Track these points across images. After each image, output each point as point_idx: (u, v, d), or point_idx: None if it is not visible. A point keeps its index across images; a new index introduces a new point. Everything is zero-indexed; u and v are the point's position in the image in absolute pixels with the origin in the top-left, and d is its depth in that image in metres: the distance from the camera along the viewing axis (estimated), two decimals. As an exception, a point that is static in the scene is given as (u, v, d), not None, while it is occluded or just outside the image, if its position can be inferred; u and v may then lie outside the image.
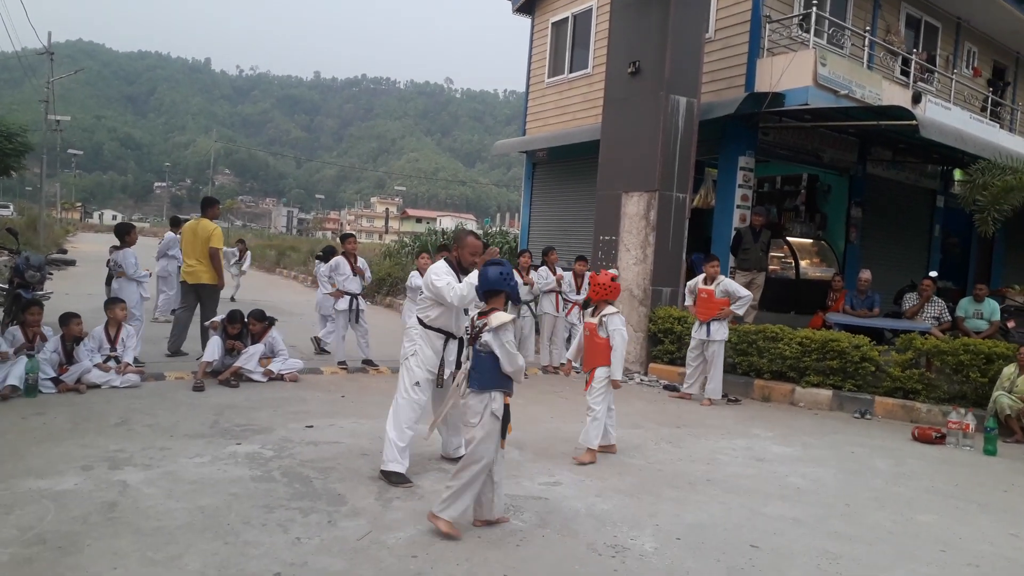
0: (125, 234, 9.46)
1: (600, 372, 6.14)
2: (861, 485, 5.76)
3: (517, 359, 4.24)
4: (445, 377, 5.15)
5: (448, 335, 5.16)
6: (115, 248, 9.46)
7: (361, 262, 9.73)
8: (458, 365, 5.18)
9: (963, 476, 6.26)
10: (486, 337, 4.18)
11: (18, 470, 4.78)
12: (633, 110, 10.63)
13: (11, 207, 47.51)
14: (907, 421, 8.21)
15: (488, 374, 4.21)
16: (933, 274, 11.75)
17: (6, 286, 9.34)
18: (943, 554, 4.43)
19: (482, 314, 4.29)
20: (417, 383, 5.09)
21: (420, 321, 5.15)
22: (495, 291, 4.35)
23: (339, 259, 9.64)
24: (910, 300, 10.82)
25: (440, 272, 5.00)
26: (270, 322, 8.64)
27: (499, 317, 4.20)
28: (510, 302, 4.27)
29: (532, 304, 10.30)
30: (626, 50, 10.76)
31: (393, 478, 5.01)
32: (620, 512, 4.75)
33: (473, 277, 4.81)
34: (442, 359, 5.15)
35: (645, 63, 10.44)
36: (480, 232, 31.29)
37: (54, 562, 3.55)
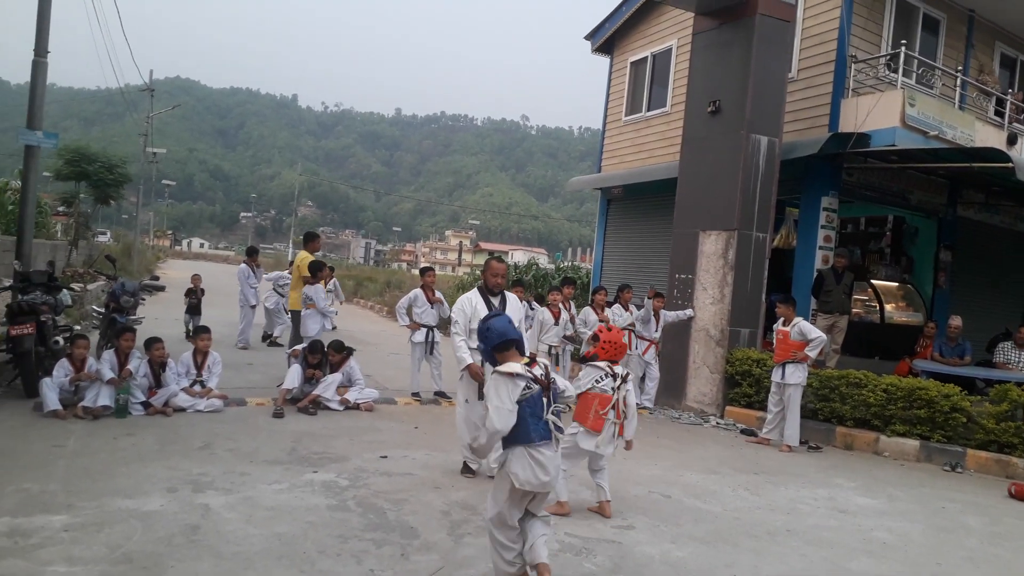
0: (319, 270, 10.13)
1: None
2: (953, 543, 5.47)
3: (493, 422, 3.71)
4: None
5: None
6: (311, 282, 10.02)
7: (438, 294, 9.89)
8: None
9: (1066, 540, 5.86)
10: (561, 385, 4.11)
11: (108, 489, 4.98)
12: (712, 149, 10.55)
13: (108, 234, 50.07)
14: (1002, 477, 7.76)
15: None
16: (1030, 322, 11.16)
17: (103, 310, 9.85)
18: (1046, 624, 4.15)
19: (531, 362, 3.90)
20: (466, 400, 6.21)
21: None
22: (504, 345, 3.91)
23: (417, 291, 9.81)
24: (1004, 349, 10.30)
25: (460, 303, 6.19)
26: (348, 352, 8.83)
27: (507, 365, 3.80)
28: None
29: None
30: (706, 89, 10.72)
31: None
32: (695, 560, 4.62)
33: (462, 324, 6.06)
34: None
35: (725, 102, 10.36)
36: (552, 266, 31.38)
37: (140, 581, 3.67)
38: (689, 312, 10.50)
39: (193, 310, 13.41)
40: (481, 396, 5.81)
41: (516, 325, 5.83)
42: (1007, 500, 6.96)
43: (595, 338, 5.37)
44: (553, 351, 9.72)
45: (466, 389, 6.13)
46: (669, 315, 10.45)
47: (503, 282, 6.08)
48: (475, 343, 5.63)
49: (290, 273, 11.33)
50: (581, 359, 5.28)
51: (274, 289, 13.60)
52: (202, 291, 13.78)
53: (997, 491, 7.23)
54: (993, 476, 7.84)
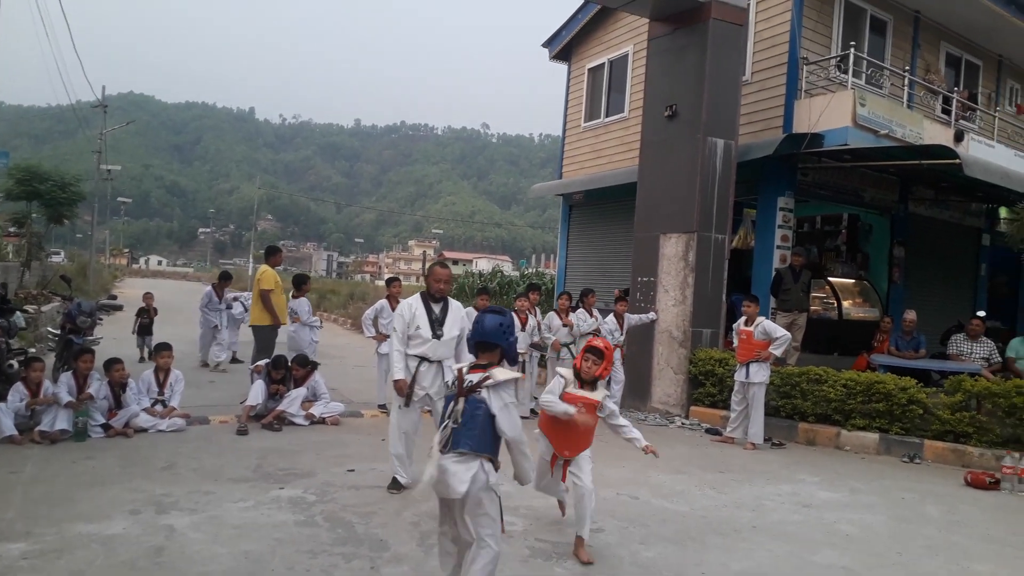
0: (302, 284, 10.64)
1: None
2: (913, 532, 5.59)
3: (518, 422, 3.61)
4: (415, 399, 5.82)
5: (422, 359, 5.82)
6: (296, 296, 10.49)
7: None
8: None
9: (1021, 524, 6.04)
10: (484, 394, 3.51)
11: (68, 514, 4.88)
12: (670, 152, 10.69)
13: (62, 254, 48.97)
14: (959, 466, 7.96)
15: (481, 436, 3.49)
16: (981, 314, 11.45)
17: (59, 332, 9.64)
18: (1003, 607, 4.27)
19: (476, 367, 3.63)
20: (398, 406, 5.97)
21: None
22: (489, 344, 3.68)
23: (383, 302, 9.76)
24: (957, 341, 10.58)
25: (401, 307, 5.96)
26: (313, 367, 8.75)
27: (503, 372, 3.57)
28: (505, 361, 3.72)
29: (572, 347, 10.26)
30: (662, 94, 10.86)
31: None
32: (665, 560, 4.67)
33: (400, 331, 5.80)
34: (415, 381, 5.80)
35: (682, 106, 10.51)
36: (516, 273, 31.47)
37: (104, 606, 3.60)
38: (652, 315, 10.61)
39: (145, 330, 12.98)
40: (408, 403, 5.79)
41: (457, 334, 5.86)
42: (963, 488, 7.14)
43: (598, 353, 4.75)
44: (520, 358, 9.73)
45: (398, 396, 5.95)
46: (632, 318, 10.55)
47: (447, 288, 5.92)
48: (414, 350, 5.79)
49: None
50: (586, 380, 4.70)
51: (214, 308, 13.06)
52: (155, 310, 13.44)
53: (954, 480, 7.41)
54: (950, 465, 8.04)
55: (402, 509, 5.40)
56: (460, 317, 5.98)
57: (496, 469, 3.55)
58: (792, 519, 5.76)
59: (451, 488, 3.41)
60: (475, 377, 3.55)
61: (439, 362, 5.80)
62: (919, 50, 13.70)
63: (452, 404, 3.54)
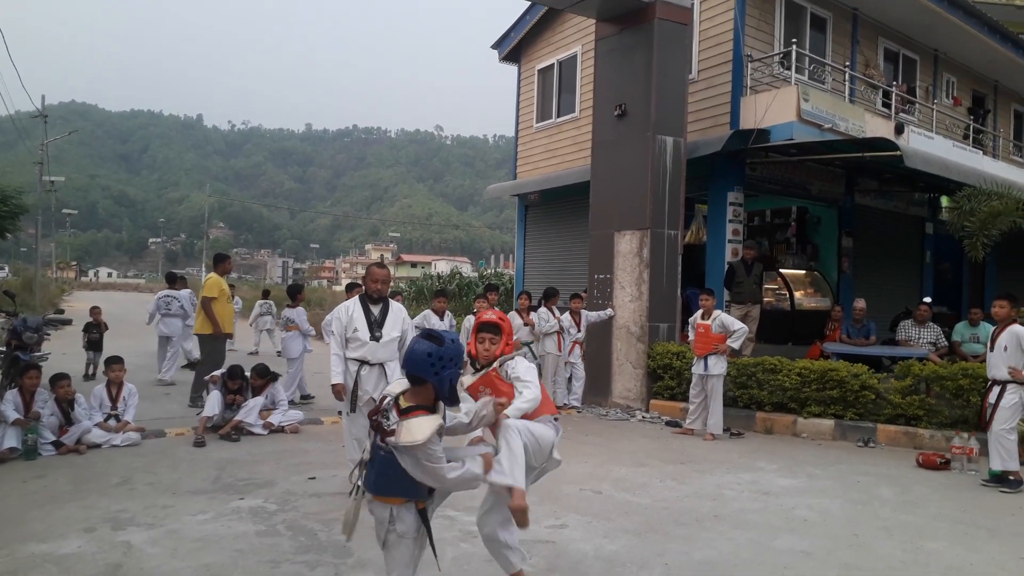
0: (297, 293, 10.93)
1: None
2: (869, 515, 5.74)
3: (450, 472, 3.08)
4: (361, 404, 5.63)
5: (363, 362, 5.75)
6: (291, 305, 10.80)
7: None
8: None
9: (970, 501, 6.24)
10: (393, 442, 3.02)
11: (20, 535, 4.75)
12: (621, 151, 10.79)
13: (6, 268, 47.55)
14: (911, 448, 8.20)
15: (393, 478, 3.09)
16: (927, 300, 11.80)
17: (3, 348, 9.34)
18: (954, 582, 4.41)
19: (407, 410, 3.07)
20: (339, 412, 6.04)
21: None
22: (416, 378, 3.09)
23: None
24: (905, 327, 10.88)
25: (337, 310, 5.90)
26: (273, 377, 8.64)
27: (415, 428, 2.95)
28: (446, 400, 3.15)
29: (532, 345, 10.31)
30: (612, 94, 10.97)
31: None
32: (628, 552, 4.72)
33: (337, 333, 5.80)
34: (357, 384, 5.71)
35: (631, 105, 10.63)
36: (475, 275, 31.45)
37: (60, 627, 3.52)
38: (609, 312, 10.70)
39: (95, 346, 12.49)
40: (353, 409, 5.73)
41: (397, 335, 5.79)
42: (916, 469, 7.36)
43: (494, 329, 3.86)
44: None
45: (338, 400, 5.90)
46: (591, 315, 10.63)
47: (384, 288, 5.83)
48: (353, 353, 5.74)
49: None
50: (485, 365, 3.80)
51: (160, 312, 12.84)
52: (104, 325, 13.04)
53: (906, 462, 7.63)
54: (903, 448, 8.27)
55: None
56: (401, 319, 5.89)
57: (427, 504, 3.21)
58: (752, 507, 5.87)
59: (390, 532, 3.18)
60: (392, 418, 3.05)
61: (380, 365, 5.75)
62: (858, 46, 14.06)
63: (370, 439, 3.15)
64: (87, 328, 12.72)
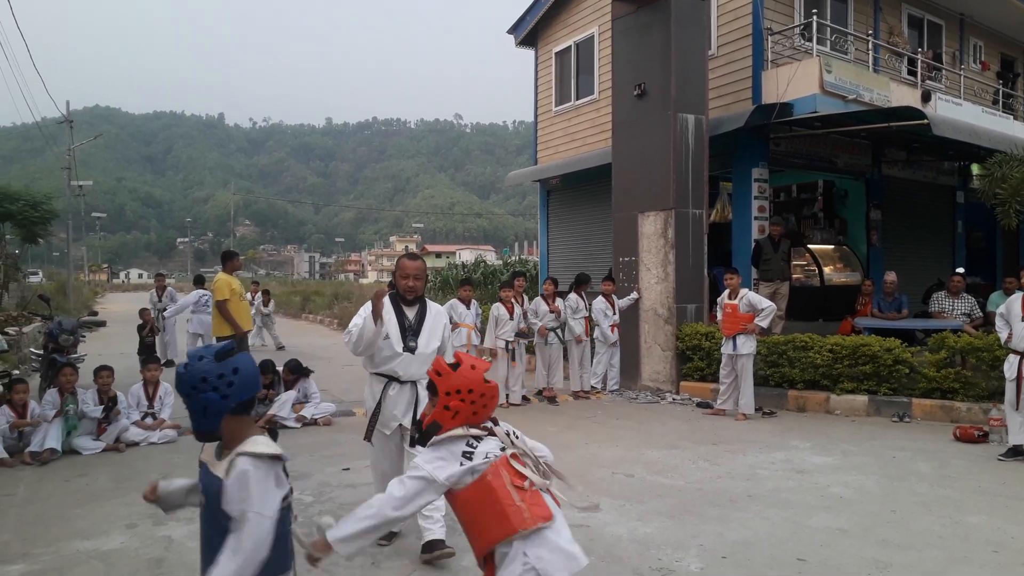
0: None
1: None
2: (906, 490, 5.68)
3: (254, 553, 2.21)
4: (386, 433, 4.51)
5: (390, 378, 4.50)
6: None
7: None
8: (414, 419, 4.32)
9: (1010, 474, 6.15)
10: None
11: (64, 532, 4.86)
12: (642, 131, 10.70)
13: (40, 273, 48.44)
14: (947, 421, 8.09)
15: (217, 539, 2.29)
16: (960, 270, 11.60)
17: (41, 352, 9.55)
18: (996, 555, 4.35)
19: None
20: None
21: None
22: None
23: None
24: (939, 299, 10.70)
25: (363, 309, 4.40)
26: (304, 373, 8.72)
27: (256, 448, 2.33)
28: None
29: (559, 331, 10.30)
30: (630, 73, 10.87)
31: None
32: (663, 534, 4.72)
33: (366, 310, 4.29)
34: (379, 407, 4.50)
35: (650, 84, 10.53)
36: (499, 263, 31.46)
37: (107, 621, 3.60)
38: (635, 295, 10.65)
39: (149, 349, 12.44)
40: (369, 437, 4.58)
41: (437, 345, 4.52)
42: (953, 443, 7.25)
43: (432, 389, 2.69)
44: (509, 347, 9.76)
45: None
46: (620, 303, 10.54)
47: (418, 285, 4.52)
48: (379, 367, 4.53)
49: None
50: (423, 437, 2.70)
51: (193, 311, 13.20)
52: (158, 328, 13.15)
53: (943, 436, 7.52)
54: (939, 422, 8.16)
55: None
56: (442, 324, 4.65)
57: None
58: (786, 486, 5.83)
59: None
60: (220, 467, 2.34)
61: (412, 383, 4.46)
62: (881, 13, 13.77)
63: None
64: (140, 329, 12.74)
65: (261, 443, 2.34)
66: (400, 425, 4.47)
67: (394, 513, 2.53)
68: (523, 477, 2.51)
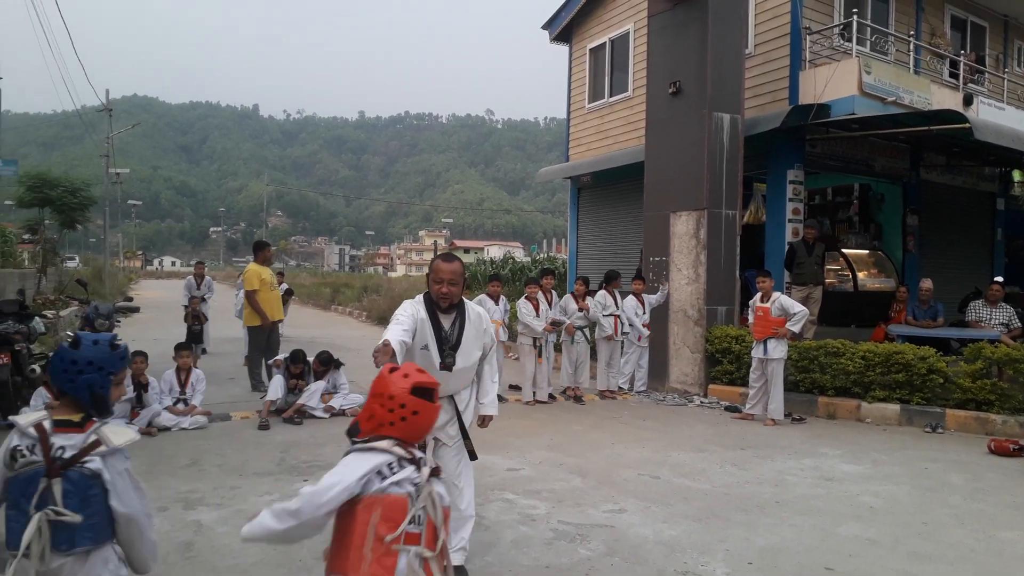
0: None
1: None
2: (938, 502, 5.58)
3: (136, 495, 2.53)
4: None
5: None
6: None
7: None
8: (462, 433, 4.03)
9: (1046, 488, 6.01)
10: (98, 464, 2.42)
11: (98, 514, 4.94)
12: (676, 130, 10.62)
13: (77, 259, 49.39)
14: (982, 434, 7.92)
15: (103, 520, 2.46)
16: (999, 279, 11.38)
17: (77, 335, 9.72)
18: (1031, 571, 4.26)
19: (64, 424, 2.48)
20: None
21: None
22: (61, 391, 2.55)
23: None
24: (976, 308, 10.50)
25: (405, 306, 3.92)
26: (335, 365, 8.79)
27: (116, 432, 2.49)
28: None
29: (586, 330, 10.27)
30: (666, 71, 10.79)
31: None
32: (689, 538, 4.68)
33: (406, 319, 3.77)
34: None
35: (686, 82, 10.44)
36: (528, 259, 31.44)
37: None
38: (664, 289, 10.55)
39: (196, 338, 12.57)
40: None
41: (478, 356, 4.04)
42: (988, 456, 7.10)
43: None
44: (537, 343, 9.75)
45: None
46: (651, 299, 10.47)
47: (453, 292, 3.87)
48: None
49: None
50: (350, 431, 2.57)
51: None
52: (204, 316, 13.22)
53: (977, 448, 7.37)
54: (973, 434, 7.99)
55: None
56: (483, 331, 4.06)
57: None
58: (815, 493, 5.76)
59: None
60: (72, 442, 2.42)
61: (450, 396, 3.99)
62: (923, 14, 13.53)
63: (41, 486, 2.37)
64: (186, 318, 12.82)
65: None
66: (435, 439, 3.87)
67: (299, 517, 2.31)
68: (393, 528, 2.23)
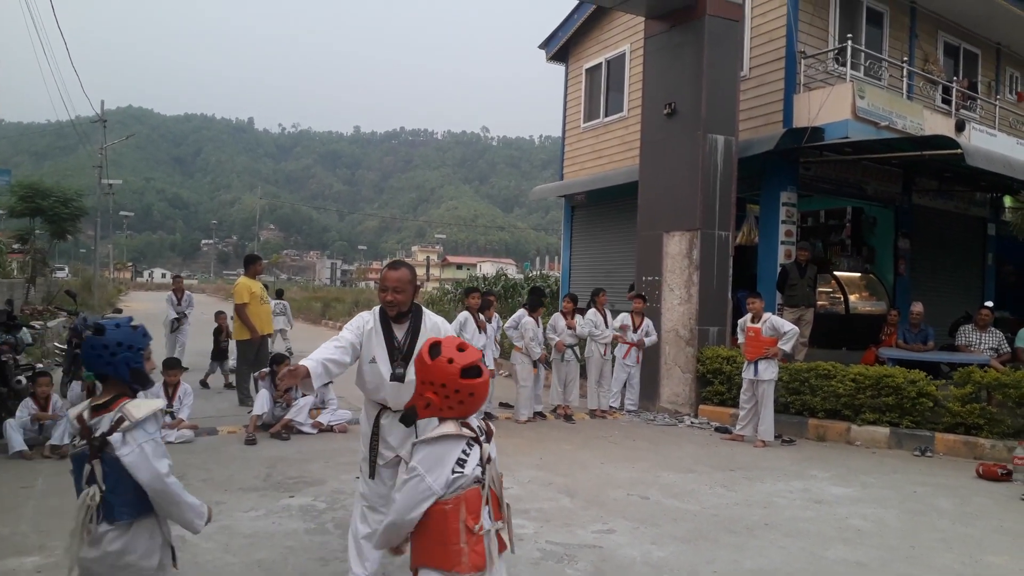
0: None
1: None
2: (926, 526, 5.56)
3: (158, 465, 2.65)
4: (380, 464, 3.86)
5: (384, 407, 3.87)
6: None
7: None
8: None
9: (1035, 514, 6.00)
10: (116, 438, 2.61)
11: (79, 528, 4.87)
12: (671, 151, 10.67)
13: (66, 269, 49.16)
14: (970, 458, 7.91)
15: (135, 495, 2.67)
16: (989, 304, 11.40)
17: (65, 347, 9.65)
18: (1020, 598, 4.23)
19: (99, 407, 2.72)
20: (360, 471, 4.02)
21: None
22: (101, 376, 2.82)
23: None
24: (966, 332, 10.53)
25: (357, 319, 3.94)
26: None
27: (140, 405, 2.70)
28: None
29: (576, 348, 10.25)
30: (661, 92, 10.85)
31: None
32: (677, 559, 4.65)
33: (348, 334, 3.83)
34: (376, 437, 3.88)
35: (681, 104, 10.50)
36: (520, 276, 31.45)
37: (116, 620, 3.59)
38: (653, 338, 10.43)
39: (222, 354, 11.88)
40: (372, 474, 3.91)
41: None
42: (976, 480, 7.10)
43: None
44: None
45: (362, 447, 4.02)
46: (647, 339, 10.39)
47: (400, 299, 3.77)
48: (372, 394, 3.92)
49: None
50: (405, 418, 2.71)
51: None
52: (228, 331, 12.89)
53: (966, 472, 7.37)
54: (962, 458, 7.99)
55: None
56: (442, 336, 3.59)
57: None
58: (804, 515, 5.73)
59: (137, 568, 2.73)
60: (104, 422, 2.66)
61: None
62: (917, 40, 13.67)
63: (87, 466, 2.66)
64: (216, 334, 12.20)
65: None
66: (396, 456, 3.78)
67: (404, 521, 2.48)
68: (477, 519, 2.47)
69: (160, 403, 2.81)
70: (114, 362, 2.73)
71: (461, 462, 2.46)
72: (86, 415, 2.70)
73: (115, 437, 2.60)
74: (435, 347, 2.53)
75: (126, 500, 2.65)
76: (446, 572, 2.43)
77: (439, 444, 2.46)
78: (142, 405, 2.69)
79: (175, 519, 2.79)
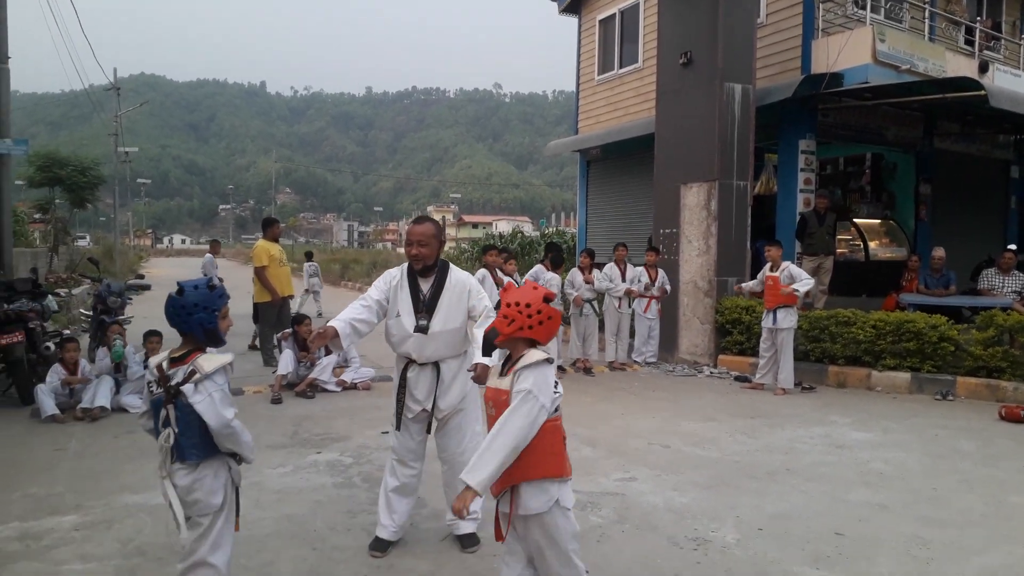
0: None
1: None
2: (948, 468, 5.58)
3: (224, 411, 2.93)
4: (408, 417, 4.04)
5: (410, 360, 4.00)
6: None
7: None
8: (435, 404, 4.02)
9: (1057, 455, 6.00)
10: (189, 390, 2.89)
11: (114, 487, 5.02)
12: (687, 101, 10.53)
13: (87, 237, 49.65)
14: (992, 401, 7.90)
15: (202, 439, 2.96)
16: (1012, 247, 11.28)
17: (91, 313, 9.82)
18: (1041, 535, 4.27)
19: (176, 359, 2.99)
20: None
21: None
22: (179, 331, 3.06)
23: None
24: (988, 276, 10.43)
25: (386, 275, 4.10)
26: None
27: (210, 359, 2.96)
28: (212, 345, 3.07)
29: (594, 303, 10.27)
30: (677, 41, 10.67)
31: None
32: (699, 505, 4.71)
33: (375, 291, 3.99)
34: (403, 390, 4.03)
35: (697, 53, 10.32)
36: (536, 234, 31.35)
37: (155, 573, 3.74)
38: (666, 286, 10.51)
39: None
40: (399, 425, 4.11)
41: (459, 325, 3.90)
42: (998, 423, 7.10)
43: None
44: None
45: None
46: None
47: (425, 253, 3.88)
48: (397, 347, 4.02)
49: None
50: (490, 347, 3.08)
51: None
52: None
53: (988, 415, 7.36)
54: (984, 401, 7.97)
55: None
56: (464, 293, 3.92)
57: (239, 462, 3.13)
58: (825, 460, 5.77)
59: (203, 504, 3.02)
60: (179, 373, 2.93)
61: (434, 364, 3.95)
62: (940, -21, 13.30)
63: (163, 411, 2.96)
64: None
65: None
66: (424, 410, 3.99)
67: (524, 441, 2.63)
68: (562, 429, 2.80)
69: (229, 357, 3.04)
70: (190, 321, 2.98)
71: (556, 383, 2.73)
72: (165, 365, 2.97)
73: (188, 387, 2.88)
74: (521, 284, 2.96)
75: (194, 443, 2.93)
76: (560, 478, 2.73)
77: (542, 368, 2.70)
78: (212, 359, 2.96)
79: (235, 452, 3.07)
